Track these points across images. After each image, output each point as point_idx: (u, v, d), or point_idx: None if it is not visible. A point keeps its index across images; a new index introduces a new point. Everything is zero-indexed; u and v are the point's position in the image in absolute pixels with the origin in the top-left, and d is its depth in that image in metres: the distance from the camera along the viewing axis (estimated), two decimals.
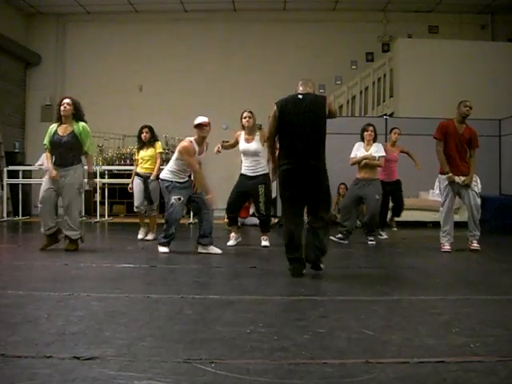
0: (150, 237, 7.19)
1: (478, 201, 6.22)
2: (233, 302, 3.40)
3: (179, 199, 5.80)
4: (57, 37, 13.84)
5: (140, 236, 7.26)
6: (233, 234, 6.74)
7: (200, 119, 5.87)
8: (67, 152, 5.80)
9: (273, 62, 13.44)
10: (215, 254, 5.85)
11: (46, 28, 13.77)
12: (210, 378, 2.06)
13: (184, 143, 5.85)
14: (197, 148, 5.84)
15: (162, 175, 5.97)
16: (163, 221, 6.12)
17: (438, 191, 6.38)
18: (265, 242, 6.54)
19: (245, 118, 6.57)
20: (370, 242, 7.02)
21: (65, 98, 5.96)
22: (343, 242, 6.94)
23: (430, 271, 4.93)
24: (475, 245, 6.18)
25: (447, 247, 6.20)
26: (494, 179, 10.33)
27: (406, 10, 13.29)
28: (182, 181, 5.89)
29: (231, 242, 6.67)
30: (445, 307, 3.36)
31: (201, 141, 5.89)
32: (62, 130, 5.81)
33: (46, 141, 5.86)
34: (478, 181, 6.30)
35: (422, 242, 7.80)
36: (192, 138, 5.86)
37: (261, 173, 6.48)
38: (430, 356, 2.31)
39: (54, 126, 5.87)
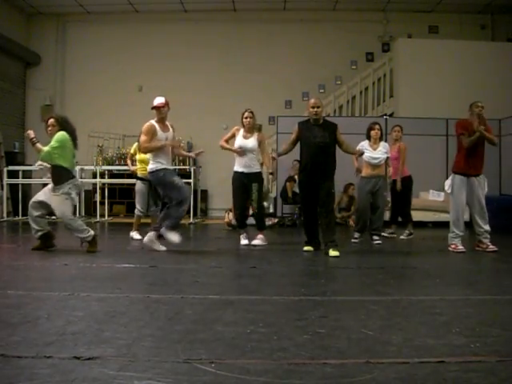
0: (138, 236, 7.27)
1: (483, 202, 6.15)
2: (233, 302, 3.40)
3: (179, 179, 5.89)
4: (57, 37, 13.85)
5: (137, 236, 7.22)
6: (245, 235, 6.71)
7: (156, 101, 5.93)
8: (52, 171, 5.77)
9: (273, 62, 13.45)
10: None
11: (46, 28, 13.78)
12: (210, 377, 2.06)
13: (148, 123, 5.89)
14: (158, 128, 5.88)
15: (151, 168, 5.94)
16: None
17: (449, 190, 6.33)
18: (257, 241, 6.58)
19: (246, 117, 6.62)
20: (376, 242, 7.02)
21: (50, 118, 5.83)
22: (358, 241, 7.09)
23: (430, 271, 4.92)
24: (491, 246, 6.10)
25: (460, 247, 6.13)
26: (494, 179, 10.32)
27: (406, 9, 13.30)
28: (171, 168, 5.95)
29: (246, 241, 6.63)
30: (445, 307, 3.36)
31: (161, 122, 5.95)
32: None
33: None
34: (486, 183, 6.27)
35: (422, 242, 7.80)
36: (153, 120, 5.94)
37: (255, 170, 6.60)
38: (430, 356, 2.31)
39: None
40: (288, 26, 13.55)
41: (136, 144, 7.49)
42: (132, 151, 7.67)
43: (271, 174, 7.40)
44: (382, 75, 12.68)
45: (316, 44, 13.48)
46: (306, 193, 6.05)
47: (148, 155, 6.42)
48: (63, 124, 5.75)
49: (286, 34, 13.55)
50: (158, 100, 5.94)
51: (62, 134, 5.65)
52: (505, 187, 10.75)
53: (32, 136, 5.66)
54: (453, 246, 6.18)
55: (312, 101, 6.07)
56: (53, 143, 5.61)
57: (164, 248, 5.94)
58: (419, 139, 10.22)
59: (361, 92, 12.93)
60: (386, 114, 11.96)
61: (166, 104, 5.95)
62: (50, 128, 5.72)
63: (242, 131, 6.65)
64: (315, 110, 5.94)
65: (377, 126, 7.11)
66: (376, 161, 7.05)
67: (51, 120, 5.76)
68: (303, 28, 13.53)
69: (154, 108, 5.92)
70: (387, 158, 7.15)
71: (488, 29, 13.62)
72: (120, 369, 2.12)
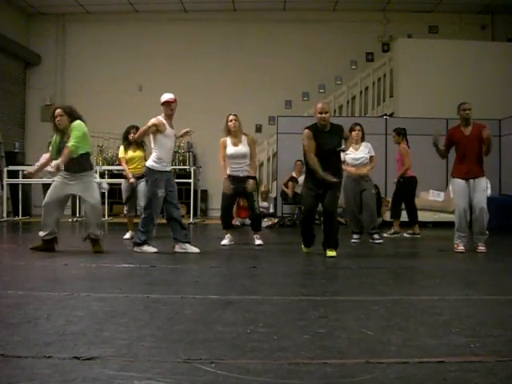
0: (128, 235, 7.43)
1: (485, 204, 6.16)
2: (233, 302, 3.40)
3: (163, 192, 5.80)
4: (57, 37, 13.85)
5: (126, 236, 7.42)
6: (228, 235, 6.74)
7: (166, 96, 5.89)
8: (73, 159, 5.66)
9: (273, 62, 13.44)
10: (193, 253, 5.82)
11: (46, 28, 13.77)
12: (210, 378, 2.05)
13: (154, 119, 5.85)
14: (167, 124, 5.86)
15: (149, 163, 5.89)
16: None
17: (452, 194, 6.36)
18: (259, 241, 6.63)
19: (231, 121, 6.56)
20: (377, 241, 7.03)
21: (56, 108, 5.77)
22: (358, 241, 7.13)
23: (430, 271, 4.93)
24: (481, 248, 6.16)
25: (461, 248, 6.15)
26: (494, 179, 10.33)
27: (406, 9, 13.29)
28: (167, 170, 5.89)
29: (226, 241, 6.67)
30: (445, 307, 3.36)
31: (169, 118, 5.92)
32: (67, 138, 5.66)
33: (53, 152, 5.72)
34: (489, 184, 6.27)
35: (422, 242, 7.80)
36: (160, 116, 5.89)
37: (248, 174, 6.59)
38: (430, 356, 2.31)
39: (57, 137, 5.71)
40: (288, 26, 13.55)
41: (122, 147, 7.51)
42: (121, 154, 7.52)
43: (253, 178, 6.76)
44: (381, 75, 12.69)
45: (316, 44, 13.47)
46: (312, 198, 5.84)
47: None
48: (72, 113, 5.71)
49: (286, 34, 13.55)
50: (168, 95, 5.90)
51: (79, 124, 5.61)
52: (505, 187, 10.76)
53: (54, 170, 5.59)
54: (455, 246, 6.21)
55: (319, 106, 5.79)
56: (76, 133, 5.53)
57: (155, 249, 5.87)
58: (419, 139, 10.21)
59: (361, 92, 12.94)
60: (386, 114, 11.97)
61: (175, 100, 5.93)
62: (58, 119, 5.63)
63: (228, 140, 6.58)
64: (323, 115, 5.70)
65: (357, 127, 7.16)
66: (358, 161, 7.11)
67: (58, 110, 5.68)
68: (303, 28, 13.52)
69: (163, 104, 5.87)
70: (371, 157, 7.20)
71: (488, 29, 13.61)
72: (120, 369, 2.12)
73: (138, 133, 6.11)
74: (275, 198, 11.16)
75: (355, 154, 7.10)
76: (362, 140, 7.21)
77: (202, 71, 13.38)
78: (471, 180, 6.11)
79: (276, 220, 10.42)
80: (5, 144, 12.09)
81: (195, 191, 11.26)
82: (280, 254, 6.24)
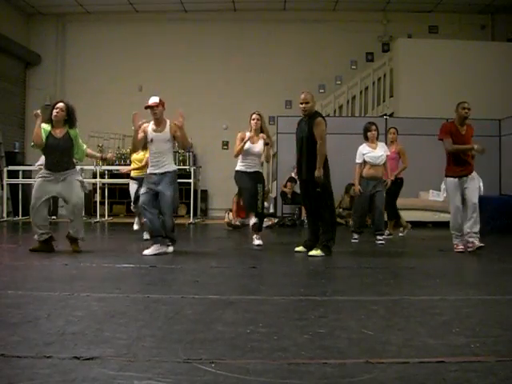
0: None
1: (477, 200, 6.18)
2: (233, 302, 3.40)
3: (149, 189, 5.71)
4: (57, 37, 13.86)
5: (136, 227, 7.45)
6: (256, 236, 6.61)
7: (150, 100, 5.77)
8: (63, 156, 5.66)
9: (273, 62, 13.46)
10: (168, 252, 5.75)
11: (46, 28, 13.79)
12: (210, 378, 2.05)
13: (145, 122, 5.86)
14: (150, 128, 5.74)
15: None
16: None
17: (445, 194, 6.35)
18: (258, 241, 6.57)
19: (253, 119, 6.64)
20: (379, 242, 7.04)
21: (59, 101, 5.80)
22: (357, 241, 7.17)
23: (430, 271, 4.92)
24: (476, 243, 6.17)
25: (461, 247, 6.14)
26: (494, 179, 10.33)
27: (406, 9, 13.30)
28: (154, 172, 5.73)
29: (260, 241, 6.56)
30: (445, 307, 3.36)
31: (157, 121, 5.76)
32: (57, 132, 5.66)
33: (42, 135, 5.64)
34: (481, 183, 6.27)
35: (422, 242, 7.80)
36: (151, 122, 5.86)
37: (257, 169, 6.67)
38: (430, 356, 2.31)
39: (47, 126, 5.67)
40: (288, 26, 13.56)
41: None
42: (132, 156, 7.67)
43: (267, 144, 6.93)
44: (381, 75, 12.70)
45: (316, 44, 13.48)
46: (301, 190, 6.06)
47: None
48: (71, 113, 5.74)
49: (286, 34, 13.56)
50: (152, 100, 5.77)
51: (78, 134, 5.84)
52: (505, 187, 10.76)
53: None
54: (454, 246, 6.21)
55: (301, 96, 5.80)
56: (80, 141, 5.84)
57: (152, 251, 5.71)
58: (419, 139, 10.23)
59: (361, 92, 12.95)
60: (385, 114, 11.97)
61: (161, 104, 5.76)
62: (57, 111, 5.64)
63: (247, 135, 6.60)
64: (303, 105, 5.74)
65: (373, 127, 7.20)
66: (378, 160, 7.09)
67: (61, 104, 5.71)
68: (303, 28, 13.53)
69: (147, 107, 5.73)
70: (386, 156, 7.22)
71: (488, 29, 13.63)
72: (120, 369, 2.12)
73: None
74: (275, 198, 11.16)
75: (375, 153, 7.08)
76: (377, 139, 7.26)
77: (202, 71, 13.39)
78: (464, 177, 6.13)
79: (276, 220, 10.42)
80: (5, 144, 12.10)
81: (195, 191, 11.27)
82: (280, 254, 6.24)
